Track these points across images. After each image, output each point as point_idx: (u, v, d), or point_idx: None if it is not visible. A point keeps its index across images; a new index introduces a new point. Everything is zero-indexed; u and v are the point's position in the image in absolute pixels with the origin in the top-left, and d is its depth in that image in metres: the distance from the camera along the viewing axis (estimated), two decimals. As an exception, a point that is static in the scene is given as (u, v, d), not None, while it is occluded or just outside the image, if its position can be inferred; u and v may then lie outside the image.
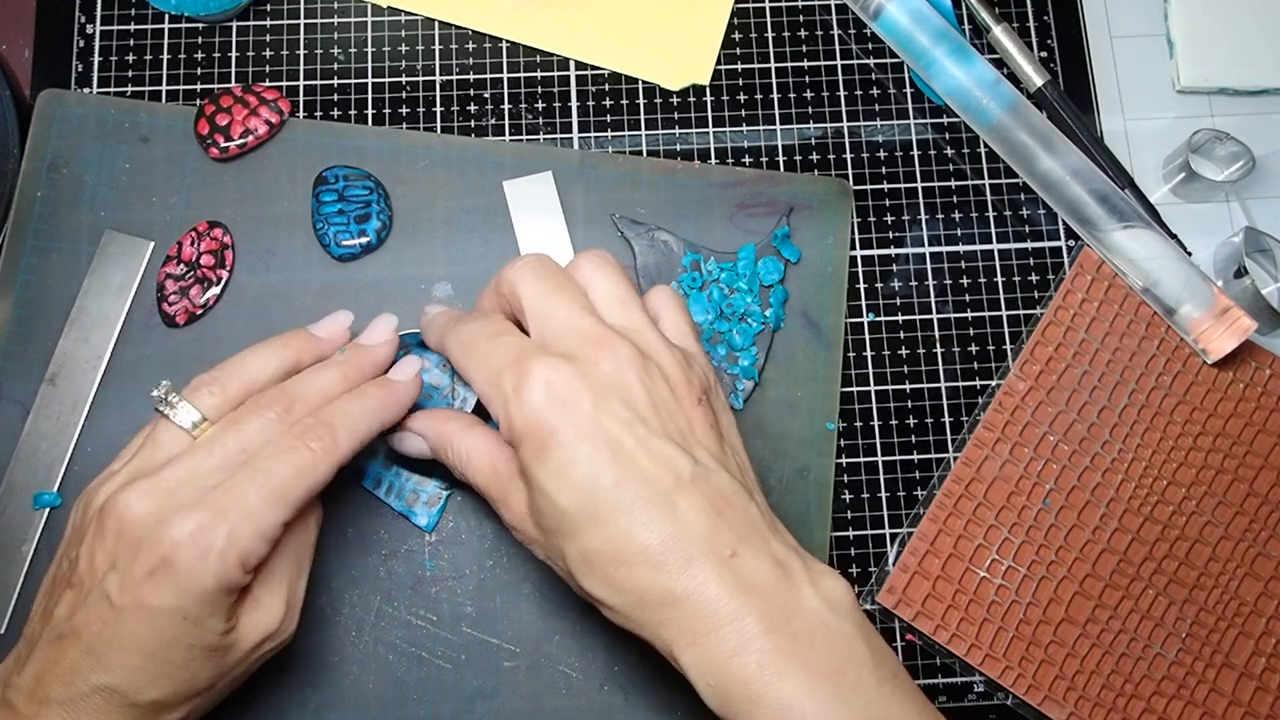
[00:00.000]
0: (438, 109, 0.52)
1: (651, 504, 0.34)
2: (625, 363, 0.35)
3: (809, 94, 0.53)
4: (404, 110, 0.52)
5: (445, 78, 0.53)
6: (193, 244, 0.49)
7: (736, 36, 0.54)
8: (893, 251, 0.52)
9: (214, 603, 0.35)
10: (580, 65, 0.53)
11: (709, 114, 0.53)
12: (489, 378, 0.36)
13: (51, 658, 0.35)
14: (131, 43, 0.52)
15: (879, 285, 0.51)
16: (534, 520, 0.36)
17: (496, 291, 0.40)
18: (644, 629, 0.34)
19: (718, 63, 0.53)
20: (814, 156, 0.52)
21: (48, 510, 0.46)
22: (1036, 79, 0.53)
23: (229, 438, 0.37)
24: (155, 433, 0.38)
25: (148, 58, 0.52)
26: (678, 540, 0.33)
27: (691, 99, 0.53)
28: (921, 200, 0.52)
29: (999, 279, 0.52)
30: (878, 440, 0.50)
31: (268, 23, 0.53)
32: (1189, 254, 0.51)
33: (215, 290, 0.49)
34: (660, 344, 0.37)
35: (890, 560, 0.48)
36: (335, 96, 0.52)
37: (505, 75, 0.53)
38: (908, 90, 0.54)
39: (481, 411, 0.47)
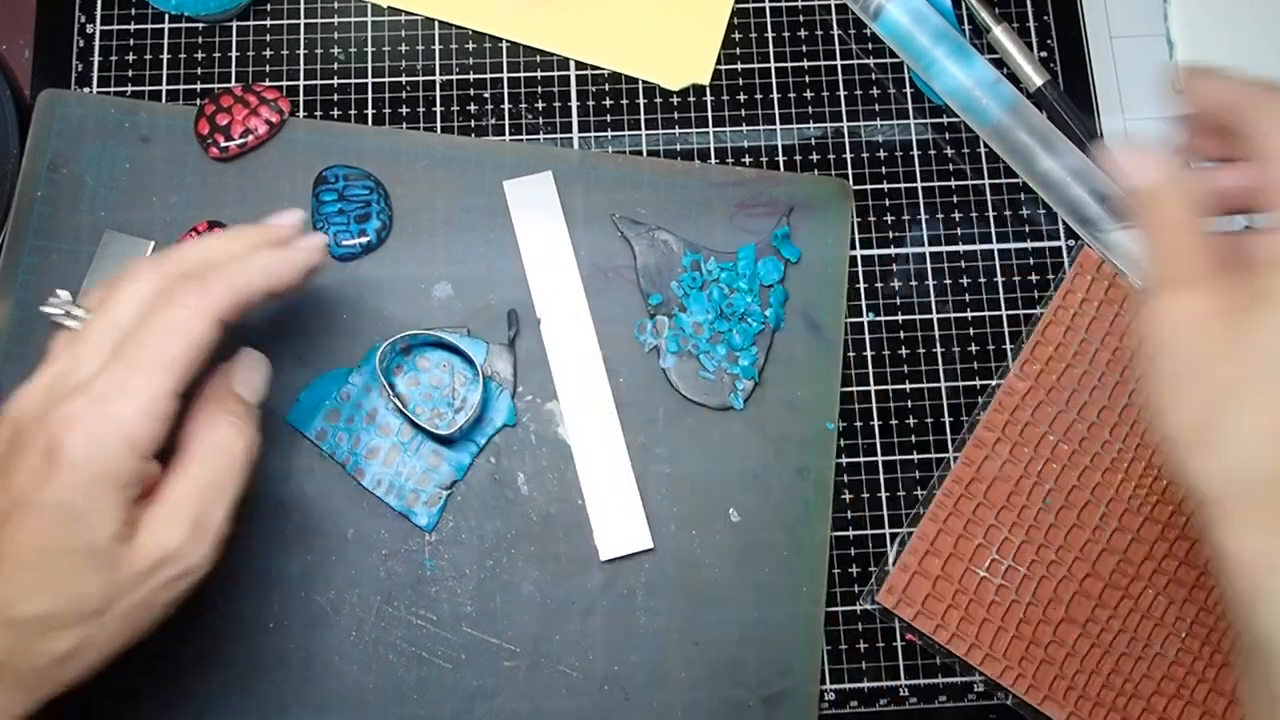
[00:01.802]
0: (438, 109, 0.52)
1: None
2: None
3: (809, 94, 0.53)
4: (404, 110, 0.52)
5: (445, 78, 0.53)
6: (193, 244, 0.49)
7: (736, 36, 0.54)
8: (893, 251, 0.52)
9: (102, 496, 0.32)
10: (580, 65, 0.53)
11: (709, 114, 0.53)
12: None
13: None
14: (131, 43, 0.52)
15: (879, 285, 0.51)
16: (1206, 329, 0.31)
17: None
18: (1264, 518, 0.30)
19: (718, 63, 0.53)
20: (814, 156, 0.52)
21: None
22: (1036, 79, 0.53)
23: (101, 318, 0.35)
24: (51, 344, 0.36)
25: (148, 58, 0.52)
26: None
27: (691, 99, 0.53)
28: (921, 200, 0.52)
29: (999, 279, 0.52)
30: (878, 440, 0.50)
31: (268, 23, 0.53)
32: (1189, 254, 0.50)
33: (215, 290, 0.48)
34: None
35: (890, 560, 0.49)
36: (335, 96, 0.52)
37: (505, 75, 0.53)
38: (908, 90, 0.54)
39: (483, 411, 0.47)
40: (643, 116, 0.53)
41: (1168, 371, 0.32)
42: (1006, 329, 0.51)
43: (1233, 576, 0.30)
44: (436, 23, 0.53)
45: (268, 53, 0.53)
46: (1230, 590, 0.30)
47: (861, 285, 0.51)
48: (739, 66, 0.53)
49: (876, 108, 0.53)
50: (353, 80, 0.52)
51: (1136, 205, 0.35)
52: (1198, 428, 0.31)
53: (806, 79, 0.53)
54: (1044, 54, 0.54)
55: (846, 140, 0.53)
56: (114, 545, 0.33)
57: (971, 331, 0.51)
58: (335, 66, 0.53)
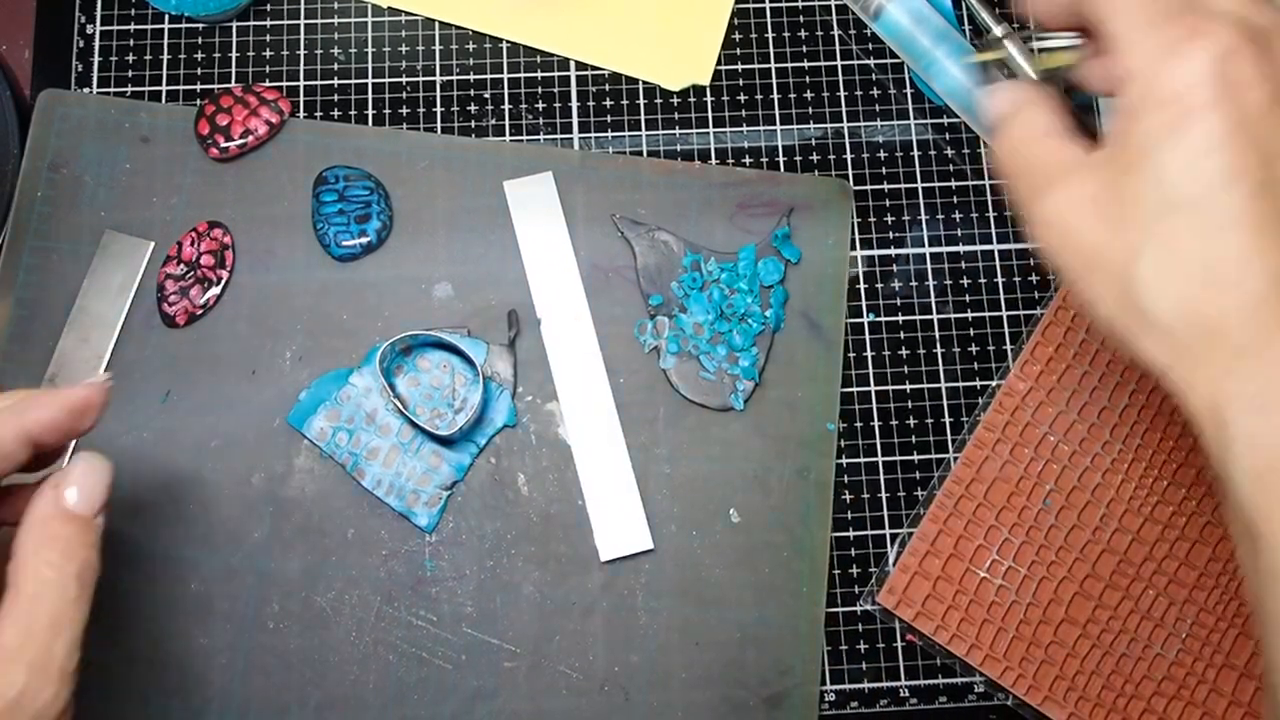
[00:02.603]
0: (438, 109, 0.52)
1: (1275, 237, 0.28)
2: None
3: (809, 94, 0.53)
4: (404, 110, 0.52)
5: (445, 78, 0.53)
6: (193, 244, 0.49)
7: (736, 36, 0.54)
8: (893, 251, 0.52)
9: None
10: (580, 65, 0.53)
11: (709, 114, 0.53)
12: (1146, 18, 0.30)
13: None
14: (131, 43, 0.52)
15: (879, 285, 0.51)
16: (1101, 211, 0.30)
17: None
18: (1193, 370, 0.29)
19: (718, 63, 0.53)
20: (814, 156, 0.52)
21: None
22: (1036, 79, 0.53)
23: None
24: None
25: (148, 58, 0.52)
26: None
27: (691, 99, 0.53)
28: (921, 200, 0.52)
29: (999, 279, 0.52)
30: (878, 440, 0.50)
31: (268, 23, 0.53)
32: (1189, 254, 0.51)
33: (215, 290, 0.49)
34: None
35: (890, 560, 0.49)
36: (335, 96, 0.52)
37: (505, 75, 0.53)
38: (908, 90, 0.54)
39: (483, 412, 0.47)
40: (643, 116, 0.53)
41: (1079, 266, 0.31)
42: (1006, 329, 0.51)
43: (1204, 437, 0.29)
44: (436, 23, 0.53)
45: (268, 53, 0.53)
46: (1210, 454, 0.29)
47: (861, 285, 0.51)
48: (739, 66, 0.53)
49: (876, 108, 0.53)
50: (353, 80, 0.52)
51: (999, 131, 0.35)
52: (1126, 304, 0.30)
53: (806, 79, 0.53)
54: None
55: (846, 140, 0.53)
56: None
57: (971, 331, 0.51)
58: (335, 66, 0.53)
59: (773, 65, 0.54)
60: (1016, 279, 0.52)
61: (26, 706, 0.31)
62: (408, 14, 0.53)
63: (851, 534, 0.49)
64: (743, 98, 0.53)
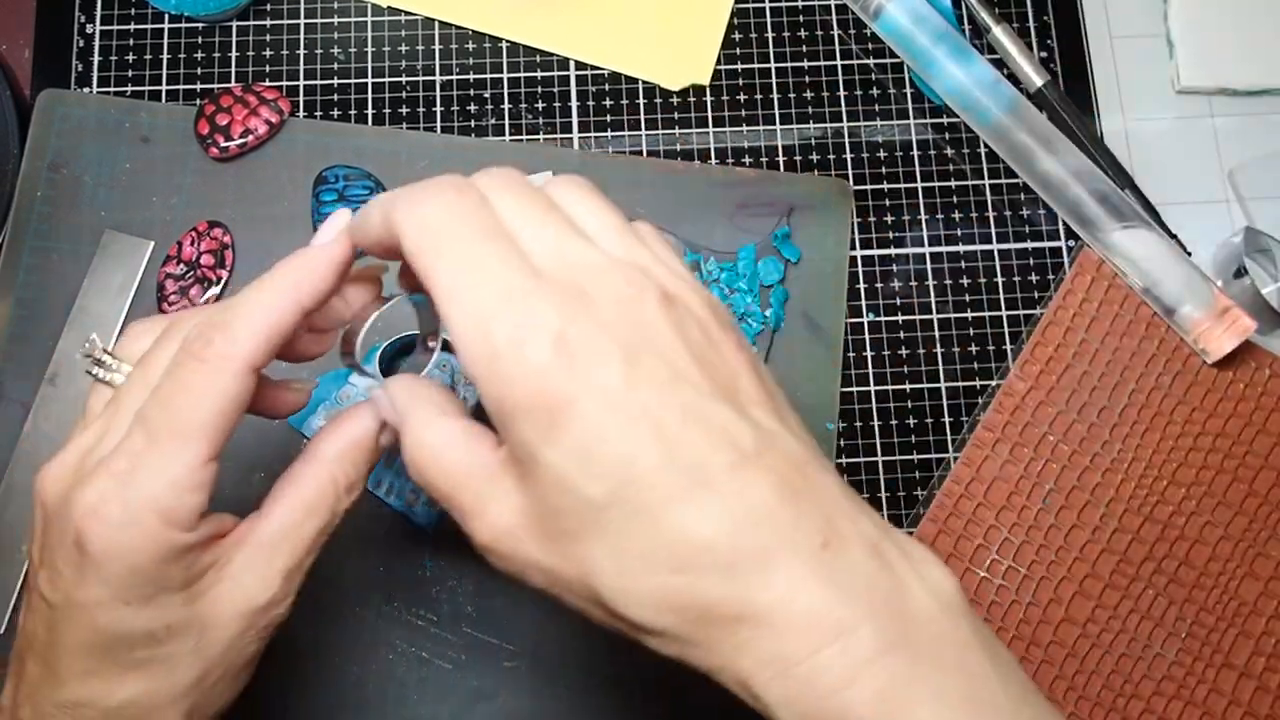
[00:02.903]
0: (438, 109, 0.52)
1: (711, 487, 0.25)
2: (652, 303, 0.27)
3: (809, 94, 0.53)
4: (404, 110, 0.52)
5: (445, 78, 0.53)
6: (193, 244, 0.49)
7: (736, 36, 0.54)
8: (893, 251, 0.52)
9: (155, 577, 0.29)
10: (580, 65, 0.53)
11: (709, 114, 0.53)
12: (474, 312, 0.26)
13: (18, 674, 0.31)
14: (131, 43, 0.52)
15: (879, 285, 0.51)
16: (536, 530, 0.27)
17: (463, 185, 0.29)
18: (708, 657, 0.26)
19: (718, 63, 0.53)
20: (814, 156, 0.52)
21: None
22: (1036, 79, 0.53)
23: (135, 377, 0.31)
24: (88, 403, 0.32)
25: (148, 58, 0.52)
26: (752, 531, 0.25)
27: (691, 99, 0.53)
28: (921, 200, 0.52)
29: (999, 279, 0.52)
30: (878, 440, 0.50)
31: (268, 23, 0.53)
32: (1189, 254, 0.51)
33: (215, 290, 0.49)
34: (679, 277, 0.29)
35: (890, 560, 0.48)
36: (335, 96, 0.52)
37: (505, 75, 0.53)
38: (908, 90, 0.54)
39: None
40: (643, 116, 0.53)
41: (545, 585, 0.28)
42: (1006, 329, 0.51)
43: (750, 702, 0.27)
44: (436, 23, 0.53)
45: (268, 53, 0.53)
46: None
47: (861, 285, 0.51)
48: (739, 66, 0.53)
49: (876, 108, 0.53)
50: (353, 80, 0.52)
51: (406, 448, 0.30)
52: (611, 615, 0.27)
53: (806, 79, 0.53)
54: (1044, 54, 0.54)
55: (846, 140, 0.53)
56: (189, 609, 0.30)
57: (971, 331, 0.51)
58: (335, 66, 0.53)
59: (773, 65, 0.54)
60: (1016, 279, 0.52)
61: (270, 612, 0.31)
62: (408, 14, 0.53)
63: (851, 534, 0.49)
64: (742, 97, 0.53)
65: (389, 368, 0.48)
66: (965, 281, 0.52)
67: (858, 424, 0.50)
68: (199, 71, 0.52)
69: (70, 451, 0.30)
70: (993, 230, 0.52)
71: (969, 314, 0.51)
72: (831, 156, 0.53)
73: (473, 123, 0.52)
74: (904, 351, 0.51)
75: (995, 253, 0.52)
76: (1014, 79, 0.53)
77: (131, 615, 0.29)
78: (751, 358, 0.29)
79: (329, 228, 0.32)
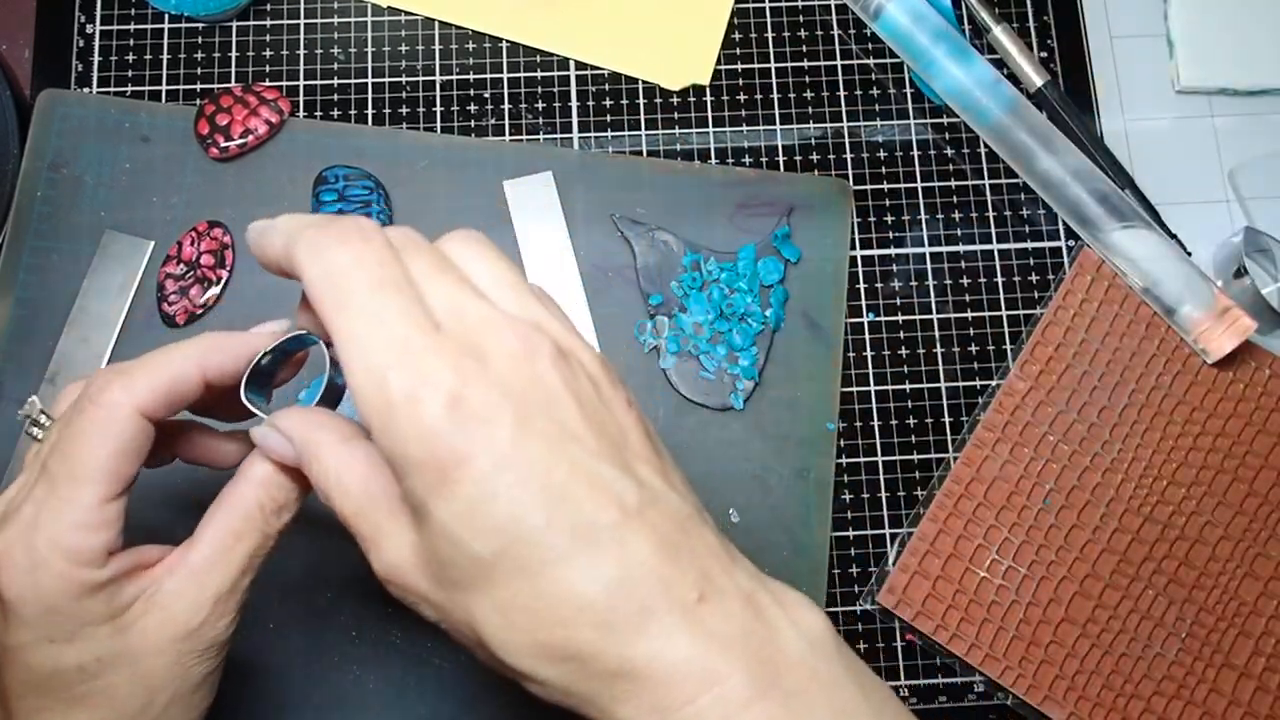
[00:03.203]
0: (438, 109, 0.52)
1: (594, 545, 0.26)
2: (545, 361, 0.27)
3: (809, 94, 0.53)
4: (404, 110, 0.52)
5: (445, 78, 0.53)
6: (193, 244, 0.49)
7: (736, 36, 0.54)
8: (893, 251, 0.52)
9: (73, 615, 0.30)
10: (580, 65, 0.53)
11: (709, 114, 0.53)
12: (369, 363, 0.26)
13: None
14: (131, 43, 0.52)
15: (879, 285, 0.51)
16: (427, 571, 0.28)
17: (368, 230, 0.29)
18: (589, 707, 0.27)
19: (718, 63, 0.53)
20: (814, 156, 0.52)
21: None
22: (1036, 79, 0.53)
23: (49, 433, 0.32)
24: (26, 458, 0.33)
25: (148, 58, 0.52)
26: (630, 588, 0.26)
27: (691, 99, 0.53)
28: (921, 200, 0.52)
29: (999, 279, 0.52)
30: (878, 440, 0.50)
31: (268, 23, 0.53)
32: (1189, 254, 0.51)
33: (215, 290, 0.49)
34: (572, 335, 0.30)
35: (890, 560, 0.49)
36: (335, 96, 0.52)
37: (505, 75, 0.53)
38: (908, 90, 0.54)
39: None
40: (643, 116, 0.53)
41: (437, 618, 0.29)
42: (1006, 329, 0.51)
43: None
44: (436, 23, 0.53)
45: (268, 53, 0.53)
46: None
47: (861, 285, 0.51)
48: (739, 66, 0.53)
49: (876, 108, 0.53)
50: (353, 80, 0.52)
51: (309, 470, 0.30)
52: (497, 662, 0.28)
53: (806, 79, 0.53)
54: (1044, 54, 0.54)
55: (846, 140, 0.53)
56: (118, 640, 0.30)
57: (971, 331, 0.51)
58: (335, 66, 0.53)
59: (773, 65, 0.54)
60: (1016, 279, 0.52)
61: (204, 635, 0.31)
62: (408, 14, 0.53)
63: (851, 534, 0.49)
64: (742, 97, 0.53)
65: None
66: (965, 281, 0.52)
67: (858, 424, 0.50)
68: (199, 71, 0.52)
69: None
70: (993, 230, 0.52)
71: (969, 314, 0.51)
72: (831, 156, 0.53)
73: (473, 123, 0.52)
74: (904, 351, 0.51)
75: (995, 253, 0.52)
76: (1014, 79, 0.53)
77: (59, 652, 0.30)
78: (640, 416, 0.30)
79: (270, 325, 0.34)
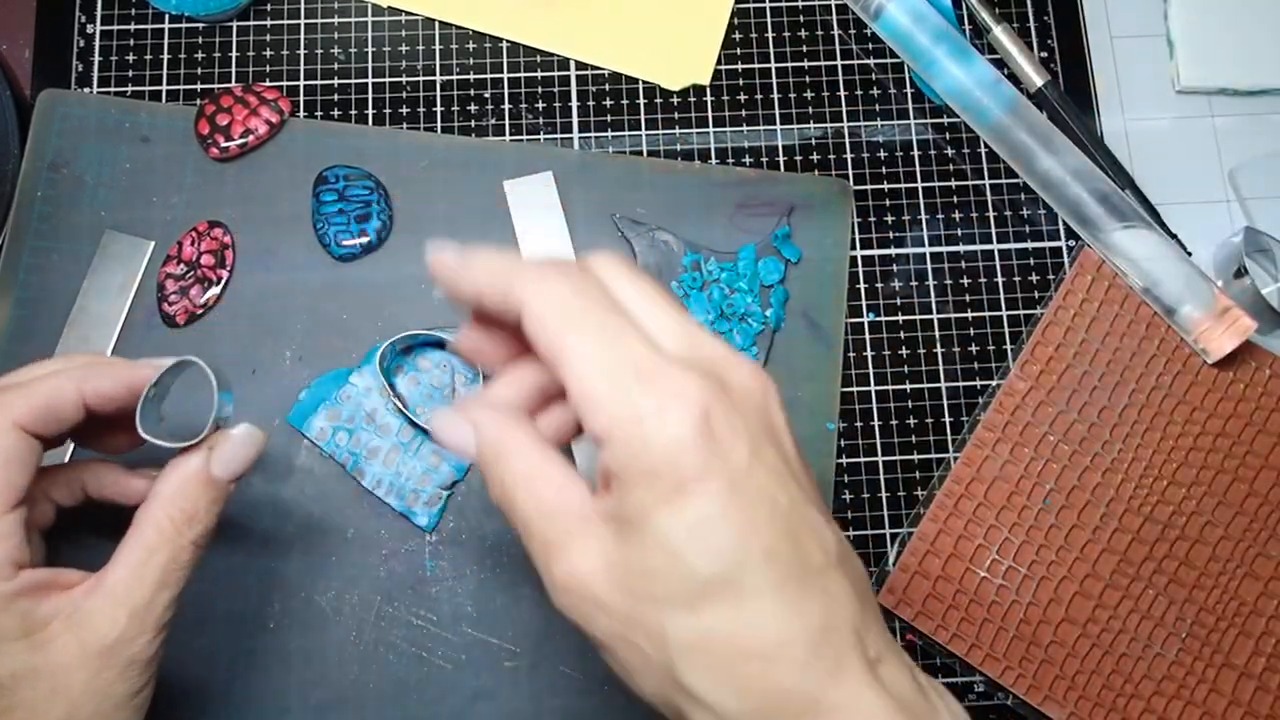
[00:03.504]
0: (438, 109, 0.52)
1: (803, 585, 0.27)
2: (775, 400, 0.29)
3: (809, 94, 0.53)
4: (404, 110, 0.52)
5: (445, 78, 0.53)
6: (193, 244, 0.49)
7: (736, 36, 0.54)
8: (893, 251, 0.52)
9: None
10: (580, 65, 0.53)
11: (709, 114, 0.53)
12: (610, 375, 0.28)
13: None
14: (131, 43, 0.52)
15: (879, 285, 0.51)
16: (620, 582, 0.28)
17: (580, 268, 0.30)
18: None
19: (718, 63, 0.53)
20: (814, 156, 0.52)
21: None
22: (1036, 79, 0.53)
23: None
24: None
25: (148, 58, 0.52)
26: (830, 635, 0.27)
27: (691, 99, 0.53)
28: (921, 200, 0.52)
29: (999, 279, 0.52)
30: (878, 440, 0.50)
31: (268, 23, 0.53)
32: (1189, 254, 0.51)
33: (215, 290, 0.49)
34: (767, 378, 0.30)
35: (890, 560, 0.49)
36: (335, 96, 0.52)
37: (505, 75, 0.53)
38: (908, 90, 0.54)
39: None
40: (643, 116, 0.53)
41: (608, 637, 0.28)
42: (1006, 329, 0.51)
43: None
44: (436, 23, 0.53)
45: (268, 53, 0.53)
46: None
47: (861, 285, 0.51)
48: (739, 66, 0.53)
49: (876, 108, 0.53)
50: (353, 80, 0.52)
51: (487, 471, 0.31)
52: (670, 684, 0.28)
53: (806, 79, 0.53)
54: (1044, 54, 0.54)
55: (846, 140, 0.53)
56: (36, 656, 0.32)
57: (971, 331, 0.51)
58: (335, 66, 0.53)
59: (773, 65, 0.54)
60: (1016, 279, 0.52)
61: (122, 651, 0.33)
62: (408, 14, 0.53)
63: (851, 534, 0.49)
64: (743, 97, 0.53)
65: (389, 367, 0.48)
66: (965, 281, 0.52)
67: (858, 424, 0.50)
68: (199, 71, 0.52)
69: None
70: (993, 230, 0.52)
71: (969, 314, 0.51)
72: (831, 156, 0.53)
73: (473, 123, 0.52)
74: (904, 351, 0.51)
75: (995, 253, 0.52)
76: (1014, 79, 0.53)
77: None
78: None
79: (156, 365, 0.36)
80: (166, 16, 0.52)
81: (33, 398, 0.33)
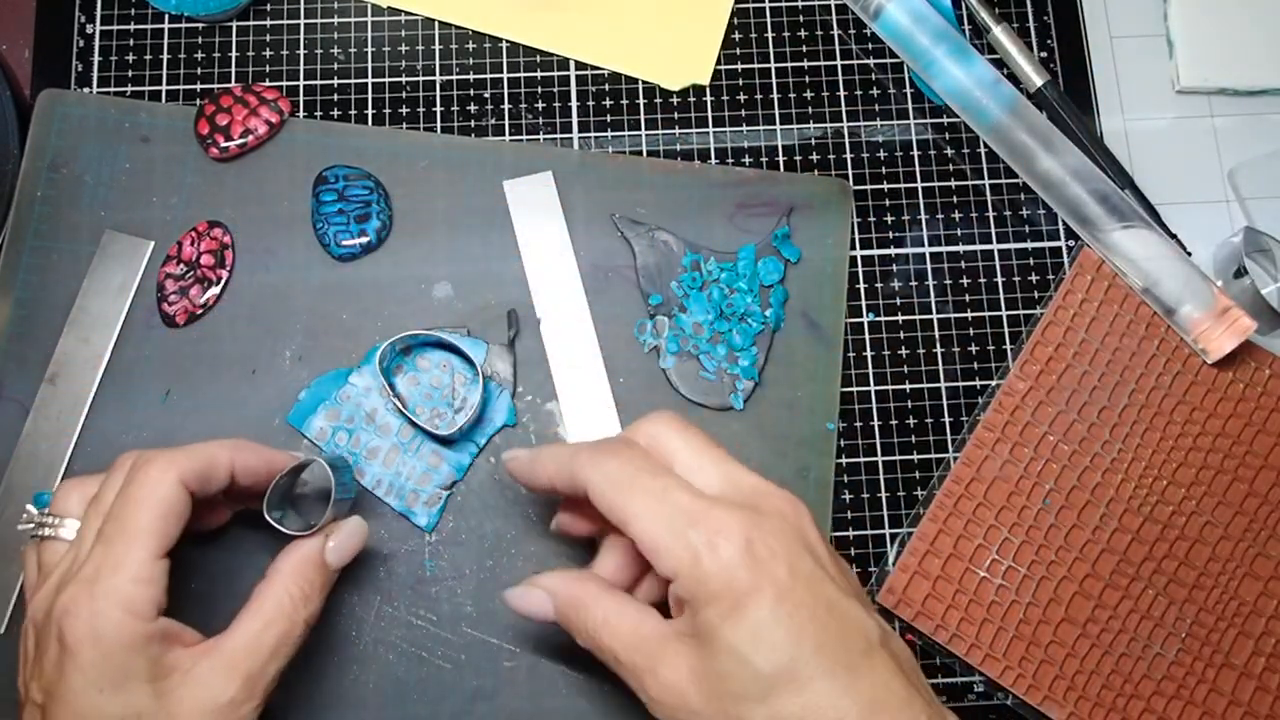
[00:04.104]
0: (438, 109, 0.52)
1: (853, 668, 0.33)
2: (806, 519, 0.35)
3: (809, 94, 0.53)
4: (404, 110, 0.52)
5: (445, 78, 0.53)
6: (193, 244, 0.49)
7: (736, 36, 0.54)
8: (893, 251, 0.52)
9: (122, 665, 0.34)
10: (580, 65, 0.53)
11: (709, 114, 0.53)
12: (667, 526, 0.34)
13: None
14: (131, 43, 0.52)
15: (879, 285, 0.51)
16: (703, 688, 0.34)
17: (626, 442, 0.38)
18: None
19: (718, 63, 0.53)
20: (814, 156, 0.52)
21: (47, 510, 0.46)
22: (1036, 79, 0.53)
23: (92, 511, 0.37)
24: (41, 557, 0.38)
25: (148, 58, 0.52)
26: (881, 704, 0.32)
27: (691, 99, 0.53)
28: (921, 200, 0.52)
29: (999, 279, 0.52)
30: (878, 440, 0.50)
31: (268, 23, 0.53)
32: (1189, 254, 0.51)
33: (215, 290, 0.49)
34: (797, 500, 0.37)
35: (890, 560, 0.49)
36: (335, 96, 0.52)
37: (505, 75, 0.53)
38: (908, 90, 0.54)
39: (483, 411, 0.47)
40: (643, 116, 0.53)
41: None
42: (1006, 329, 0.51)
43: None
44: (436, 23, 0.53)
45: (268, 53, 0.53)
46: None
47: (861, 285, 0.51)
48: (739, 66, 0.53)
49: (876, 108, 0.53)
50: (353, 80, 0.52)
51: (581, 630, 0.37)
52: None
53: (806, 79, 0.53)
54: (1044, 54, 0.54)
55: (846, 140, 0.53)
56: (158, 703, 0.35)
57: (971, 331, 0.51)
58: (335, 66, 0.53)
59: (773, 65, 0.54)
60: (1016, 279, 0.52)
61: (230, 714, 0.36)
62: (408, 14, 0.53)
63: (851, 534, 0.49)
64: (742, 97, 0.53)
65: (389, 367, 0.48)
66: (965, 281, 0.52)
67: (858, 424, 0.50)
68: (199, 71, 0.52)
69: (51, 581, 0.36)
70: (993, 230, 0.52)
71: (969, 314, 0.51)
72: (831, 156, 0.53)
73: (473, 123, 0.52)
74: (904, 351, 0.51)
75: (995, 253, 0.52)
76: (1014, 79, 0.53)
77: (105, 701, 0.34)
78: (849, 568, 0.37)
79: (292, 458, 0.42)
80: (166, 16, 0.53)
81: (195, 460, 0.37)
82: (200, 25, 0.53)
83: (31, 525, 0.39)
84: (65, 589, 0.35)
